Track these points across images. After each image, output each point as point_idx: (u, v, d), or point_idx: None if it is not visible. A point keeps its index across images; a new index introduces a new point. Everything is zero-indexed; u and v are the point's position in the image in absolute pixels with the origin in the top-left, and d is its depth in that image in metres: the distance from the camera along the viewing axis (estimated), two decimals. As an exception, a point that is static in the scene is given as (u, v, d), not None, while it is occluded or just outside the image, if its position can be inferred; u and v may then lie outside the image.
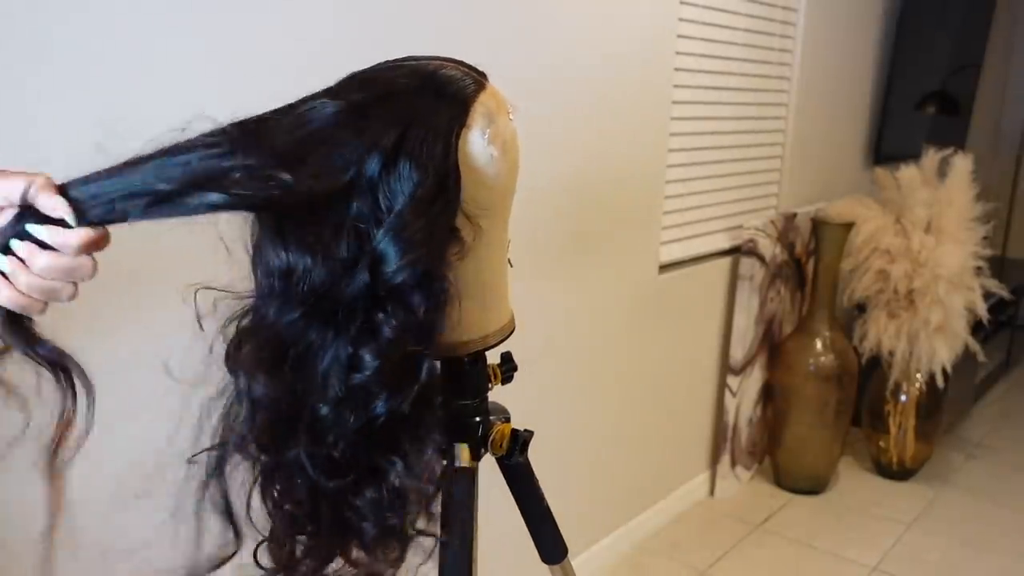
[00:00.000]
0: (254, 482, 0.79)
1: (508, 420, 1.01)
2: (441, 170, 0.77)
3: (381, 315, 0.75)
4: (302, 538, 0.81)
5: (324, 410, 0.75)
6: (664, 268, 2.77)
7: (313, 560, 0.82)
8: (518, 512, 1.09)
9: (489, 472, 1.03)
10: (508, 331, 0.92)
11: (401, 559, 0.84)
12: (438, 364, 0.87)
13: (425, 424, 0.80)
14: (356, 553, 0.83)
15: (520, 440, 0.98)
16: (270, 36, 1.53)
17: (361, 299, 0.74)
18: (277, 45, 1.54)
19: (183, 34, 1.40)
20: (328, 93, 0.79)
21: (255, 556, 0.83)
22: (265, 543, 0.82)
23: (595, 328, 2.50)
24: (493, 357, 0.96)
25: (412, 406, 0.77)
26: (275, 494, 0.79)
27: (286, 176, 0.70)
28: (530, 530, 1.10)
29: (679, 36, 2.59)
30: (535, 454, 1.02)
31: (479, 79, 0.84)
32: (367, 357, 0.74)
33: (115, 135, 1.35)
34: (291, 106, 0.78)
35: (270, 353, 0.74)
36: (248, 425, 0.76)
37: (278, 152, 0.71)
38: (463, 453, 0.96)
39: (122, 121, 1.36)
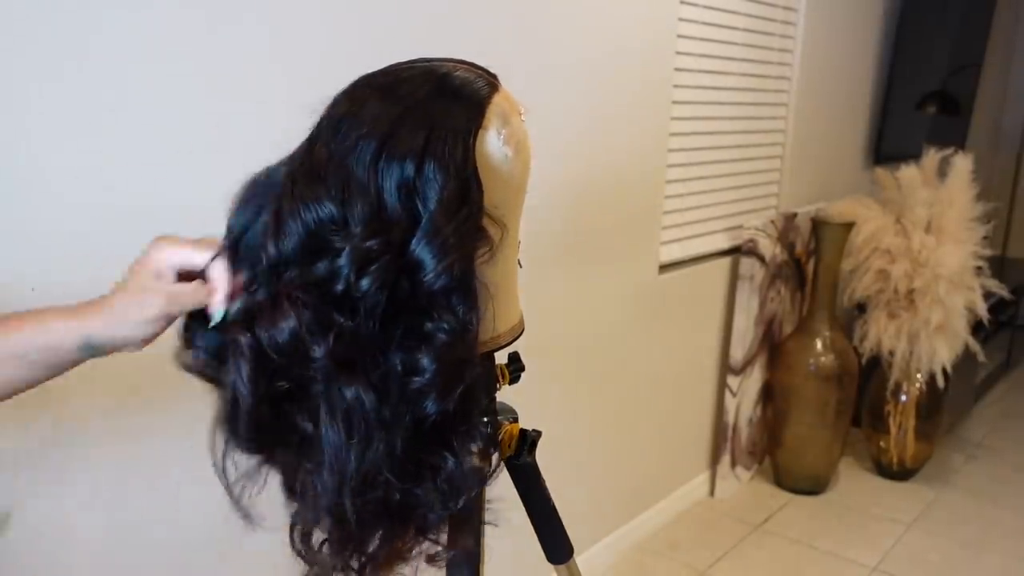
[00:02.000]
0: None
1: (516, 420, 1.01)
2: (462, 172, 0.77)
3: (430, 323, 0.76)
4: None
5: (386, 412, 0.77)
6: (664, 268, 2.77)
7: (383, 548, 0.83)
8: (524, 511, 1.09)
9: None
10: (518, 331, 0.93)
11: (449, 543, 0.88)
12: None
13: (472, 419, 0.82)
14: (417, 538, 0.85)
15: (528, 440, 0.99)
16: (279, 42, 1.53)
17: (404, 305, 0.76)
18: (288, 50, 1.54)
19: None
20: (347, 99, 0.81)
21: (319, 548, 0.84)
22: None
23: (595, 328, 2.50)
24: (500, 357, 0.96)
25: (458, 403, 0.79)
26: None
27: (374, 243, 0.75)
28: (536, 530, 1.10)
29: (679, 36, 2.59)
30: (536, 454, 1.02)
31: (492, 81, 0.85)
32: (424, 361, 0.76)
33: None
34: (327, 141, 0.78)
35: (354, 359, 0.76)
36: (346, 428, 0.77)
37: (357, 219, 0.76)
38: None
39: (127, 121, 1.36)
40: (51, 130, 1.28)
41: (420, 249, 0.75)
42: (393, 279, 0.75)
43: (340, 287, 0.74)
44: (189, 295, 0.80)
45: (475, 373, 0.80)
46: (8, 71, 1.22)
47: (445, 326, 0.76)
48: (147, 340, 0.80)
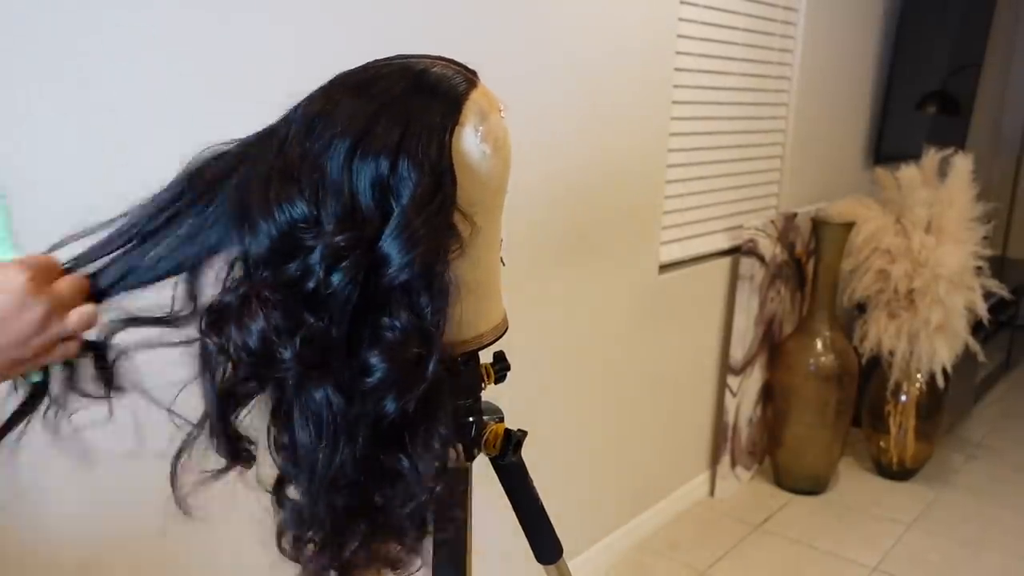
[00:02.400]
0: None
1: (501, 420, 1.01)
2: (437, 168, 0.77)
3: (385, 319, 0.76)
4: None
5: (353, 412, 0.77)
6: (664, 268, 2.77)
7: (360, 551, 0.83)
8: (512, 512, 1.09)
9: (483, 471, 1.03)
10: (502, 330, 0.92)
11: (418, 546, 0.86)
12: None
13: (434, 419, 0.81)
14: (394, 541, 0.85)
15: (513, 440, 0.98)
16: (269, 38, 1.53)
17: (372, 302, 0.76)
18: (277, 45, 1.55)
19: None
20: (323, 97, 0.80)
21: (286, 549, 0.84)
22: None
23: (595, 328, 2.50)
24: (485, 356, 0.96)
25: (420, 402, 0.78)
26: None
27: (344, 239, 0.74)
28: (525, 530, 1.10)
29: (679, 36, 2.59)
30: (535, 454, 1.02)
31: (470, 77, 0.84)
32: (374, 360, 0.76)
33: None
34: (301, 140, 0.78)
35: (324, 361, 0.76)
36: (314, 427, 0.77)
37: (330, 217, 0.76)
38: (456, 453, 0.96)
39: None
40: (51, 130, 1.28)
41: (388, 244, 0.74)
42: (363, 275, 0.74)
43: (311, 284, 0.74)
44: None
45: (438, 373, 0.78)
46: (8, 70, 1.22)
47: (397, 324, 0.75)
48: None
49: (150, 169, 1.39)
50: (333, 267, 0.73)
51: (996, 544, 2.97)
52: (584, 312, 2.44)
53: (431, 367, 0.78)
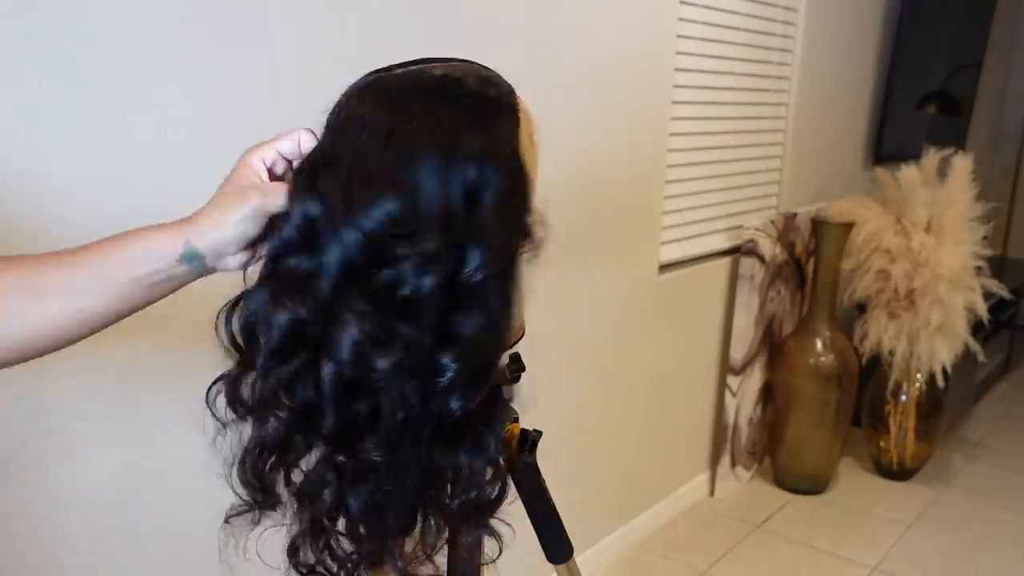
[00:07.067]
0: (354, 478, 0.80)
1: (517, 420, 1.01)
2: (512, 169, 0.79)
3: (458, 319, 0.76)
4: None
5: (431, 406, 0.77)
6: (664, 268, 2.77)
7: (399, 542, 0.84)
8: (524, 510, 1.08)
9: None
10: (520, 333, 0.93)
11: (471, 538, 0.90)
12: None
13: (493, 416, 0.82)
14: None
15: (529, 440, 0.98)
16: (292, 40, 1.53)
17: (451, 304, 0.76)
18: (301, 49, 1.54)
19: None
20: (386, 101, 0.79)
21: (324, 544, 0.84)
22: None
23: (595, 328, 2.50)
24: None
25: (482, 402, 0.79)
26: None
27: (434, 244, 0.74)
28: (536, 530, 1.10)
29: (679, 36, 2.59)
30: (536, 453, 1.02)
31: (506, 80, 0.86)
32: (446, 361, 0.76)
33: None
34: (380, 149, 0.77)
35: (420, 365, 0.76)
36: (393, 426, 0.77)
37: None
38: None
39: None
40: (54, 127, 1.28)
41: (470, 247, 0.75)
42: (449, 279, 0.74)
43: (404, 290, 0.74)
44: (282, 189, 0.78)
45: (498, 373, 0.80)
46: (11, 68, 1.22)
47: (470, 324, 0.76)
48: (246, 245, 0.80)
49: (154, 166, 1.39)
50: (426, 272, 0.73)
51: (996, 544, 2.98)
52: (584, 312, 2.44)
53: (496, 367, 0.79)
